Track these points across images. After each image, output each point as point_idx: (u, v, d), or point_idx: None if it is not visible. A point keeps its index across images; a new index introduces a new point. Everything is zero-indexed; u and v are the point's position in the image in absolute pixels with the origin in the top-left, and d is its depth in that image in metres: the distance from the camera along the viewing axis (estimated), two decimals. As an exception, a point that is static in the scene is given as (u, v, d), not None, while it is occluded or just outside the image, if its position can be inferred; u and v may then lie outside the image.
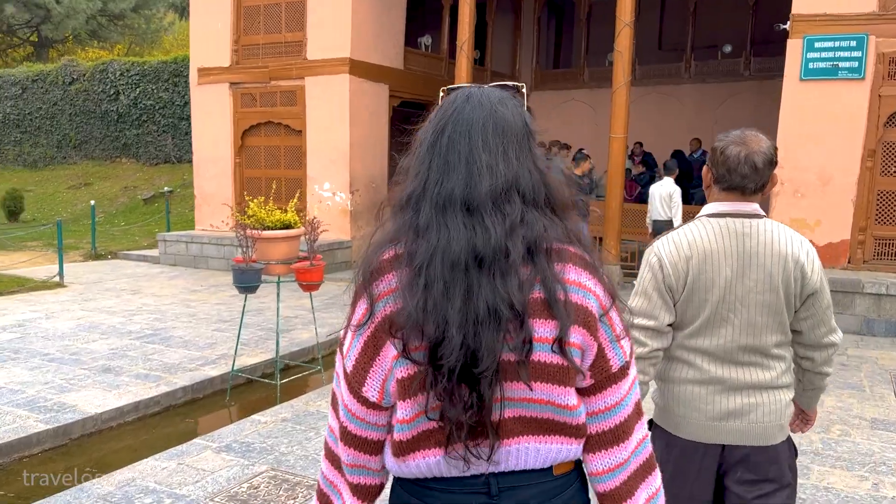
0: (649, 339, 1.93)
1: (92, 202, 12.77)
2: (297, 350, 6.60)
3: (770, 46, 15.55)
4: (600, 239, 9.50)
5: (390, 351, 1.12)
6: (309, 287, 5.38)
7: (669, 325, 1.96)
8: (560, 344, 1.10)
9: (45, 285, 9.50)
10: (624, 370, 1.19)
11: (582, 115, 16.59)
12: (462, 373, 1.06)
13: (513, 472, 1.16)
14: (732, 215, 1.96)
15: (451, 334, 1.05)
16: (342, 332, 1.20)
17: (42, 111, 20.51)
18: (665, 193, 9.26)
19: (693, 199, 13.24)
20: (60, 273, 9.89)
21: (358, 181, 11.19)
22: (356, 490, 1.24)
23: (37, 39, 29.02)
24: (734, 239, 1.93)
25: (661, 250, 1.97)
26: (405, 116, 15.35)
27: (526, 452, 1.15)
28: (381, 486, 1.27)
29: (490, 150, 1.13)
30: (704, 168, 2.08)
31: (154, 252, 12.17)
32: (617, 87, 9.05)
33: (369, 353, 1.14)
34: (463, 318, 1.06)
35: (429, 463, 1.15)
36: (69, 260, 11.81)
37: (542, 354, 1.10)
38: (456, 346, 1.05)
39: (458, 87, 1.22)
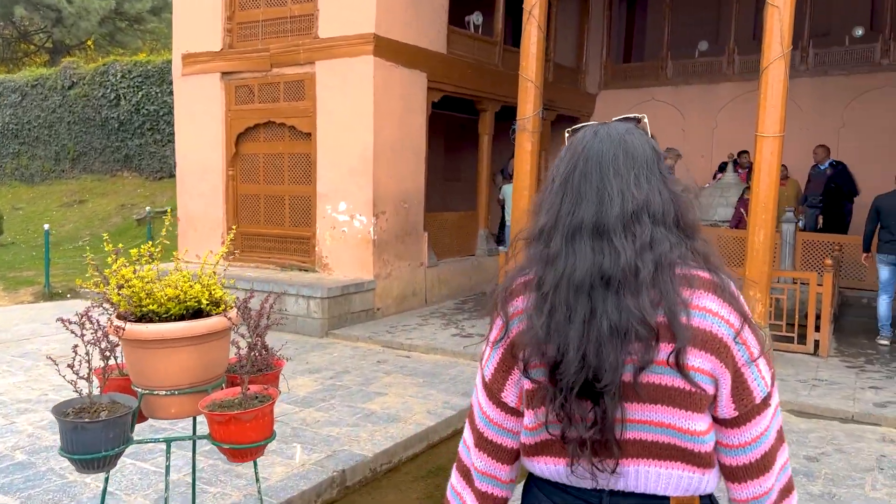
0: None
1: (46, 226, 10.12)
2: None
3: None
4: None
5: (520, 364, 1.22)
6: (240, 455, 2.36)
7: None
8: (678, 364, 1.12)
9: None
10: (766, 400, 1.20)
11: (665, 117, 13.45)
12: (584, 389, 1.13)
13: (632, 494, 1.19)
14: None
15: (569, 353, 1.12)
16: (482, 347, 1.33)
17: (41, 120, 18.23)
18: None
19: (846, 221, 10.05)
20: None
21: (384, 200, 8.30)
22: (483, 498, 1.32)
23: (52, 45, 27.11)
24: None
25: None
26: (451, 122, 12.69)
27: (646, 475, 1.17)
28: (506, 501, 1.33)
29: (621, 177, 1.19)
30: None
31: (123, 290, 9.43)
32: (770, 60, 5.98)
33: (507, 363, 1.25)
34: (583, 338, 1.12)
35: (549, 469, 1.23)
36: (14, 300, 9.14)
37: (664, 377, 1.14)
38: (573, 364, 1.12)
39: (583, 126, 1.30)
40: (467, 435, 1.35)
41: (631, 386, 1.13)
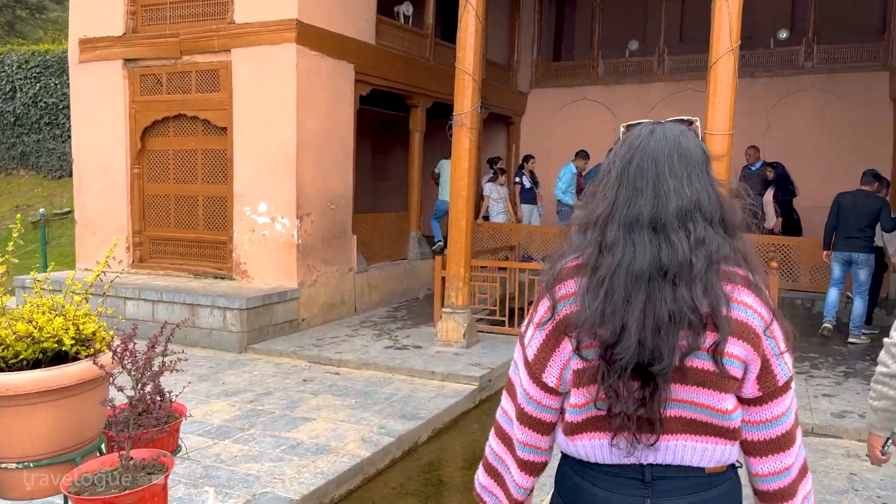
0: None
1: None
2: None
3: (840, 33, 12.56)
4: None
5: (569, 345, 1.29)
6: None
7: None
8: (715, 352, 1.22)
9: None
10: (788, 384, 1.32)
11: (597, 117, 13.29)
12: (636, 370, 1.21)
13: (668, 466, 1.29)
14: None
15: (628, 336, 1.20)
16: (523, 327, 1.39)
17: (-71, 115, 16.47)
18: None
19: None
20: None
21: (309, 200, 7.64)
22: (524, 465, 1.42)
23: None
24: None
25: None
26: (381, 120, 12.09)
27: (683, 449, 1.28)
28: (546, 464, 1.44)
29: (676, 175, 1.27)
30: None
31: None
32: (719, 55, 5.72)
33: (550, 345, 1.31)
34: (642, 322, 1.20)
35: (593, 445, 1.31)
36: None
37: (705, 363, 1.24)
38: (632, 346, 1.20)
39: (639, 123, 1.36)
40: (507, 406, 1.44)
41: (678, 369, 1.23)
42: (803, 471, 1.36)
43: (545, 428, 1.38)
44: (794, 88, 11.85)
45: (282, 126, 7.42)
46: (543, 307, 1.33)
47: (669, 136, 1.31)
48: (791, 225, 9.67)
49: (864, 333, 7.52)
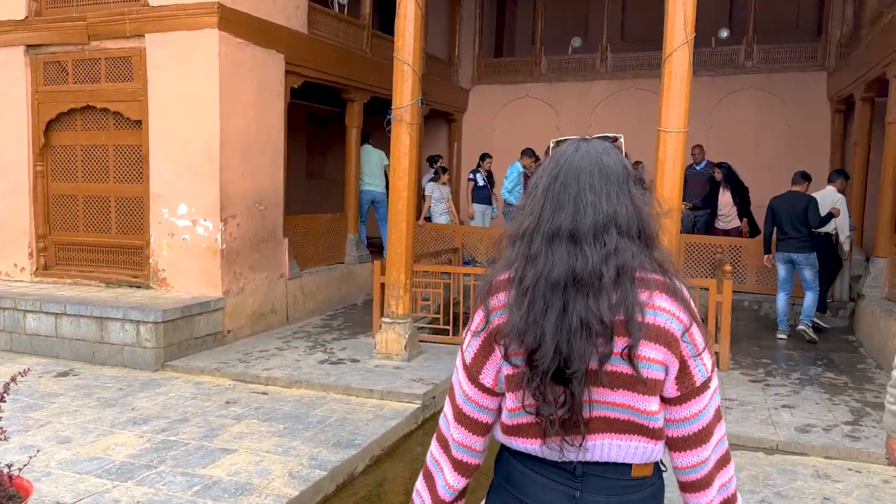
0: None
1: None
2: None
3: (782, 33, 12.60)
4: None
5: (498, 351, 1.39)
6: None
7: None
8: (629, 355, 1.30)
9: None
10: (706, 384, 1.38)
11: (540, 114, 13.00)
12: (555, 374, 1.30)
13: (597, 463, 1.38)
14: None
15: (545, 342, 1.29)
16: (463, 333, 1.49)
17: None
18: None
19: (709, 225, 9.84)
20: None
21: (235, 201, 6.99)
22: (457, 465, 1.49)
23: None
24: None
25: None
26: (316, 115, 11.42)
27: (609, 447, 1.36)
28: (478, 467, 1.51)
29: (595, 191, 1.36)
30: None
31: None
32: (674, 48, 5.39)
33: (485, 351, 1.41)
34: (557, 330, 1.29)
35: (527, 447, 1.40)
36: None
37: (623, 367, 1.31)
38: (549, 352, 1.28)
39: (566, 140, 1.48)
40: (447, 410, 1.52)
41: (595, 373, 1.31)
42: (721, 462, 1.44)
43: (481, 429, 1.46)
44: (735, 88, 11.81)
45: (203, 119, 6.76)
46: (479, 317, 1.42)
47: (592, 153, 1.40)
48: (751, 225, 9.57)
49: (814, 325, 7.60)
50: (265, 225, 7.46)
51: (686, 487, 1.46)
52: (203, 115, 6.75)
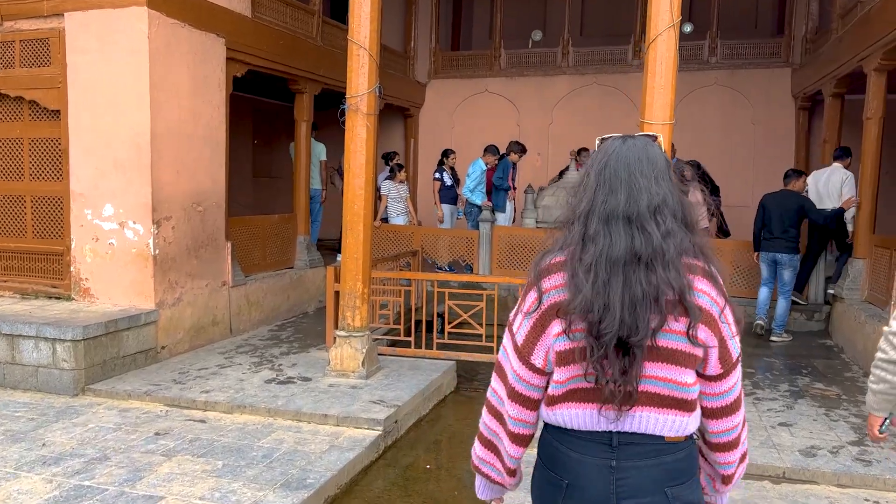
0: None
1: None
2: None
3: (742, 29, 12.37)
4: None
5: (553, 330, 1.49)
6: None
7: None
8: (690, 334, 1.43)
9: None
10: (738, 360, 1.54)
11: (500, 110, 12.50)
12: (618, 345, 1.41)
13: (633, 433, 1.49)
14: None
15: (612, 312, 1.40)
16: (512, 316, 1.59)
17: None
18: None
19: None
20: None
21: (169, 202, 6.24)
22: (515, 438, 1.62)
23: None
24: None
25: None
26: (262, 109, 10.58)
27: (647, 419, 1.47)
28: (532, 436, 1.64)
29: (646, 176, 1.48)
30: None
31: None
32: (658, 31, 4.89)
33: (537, 331, 1.52)
34: (622, 300, 1.40)
35: (570, 413, 1.51)
36: None
37: (671, 342, 1.44)
38: (616, 319, 1.39)
39: (611, 136, 1.59)
40: (497, 387, 1.64)
41: (649, 347, 1.42)
42: (744, 422, 1.62)
43: (532, 404, 1.58)
44: (699, 83, 11.50)
45: (131, 110, 5.98)
46: (531, 298, 1.53)
47: (639, 144, 1.54)
48: (720, 226, 9.22)
49: (793, 301, 7.61)
50: (205, 228, 6.71)
51: (718, 448, 1.60)
52: (131, 105, 5.98)
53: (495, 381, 1.64)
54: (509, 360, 1.58)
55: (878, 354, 2.30)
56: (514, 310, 1.59)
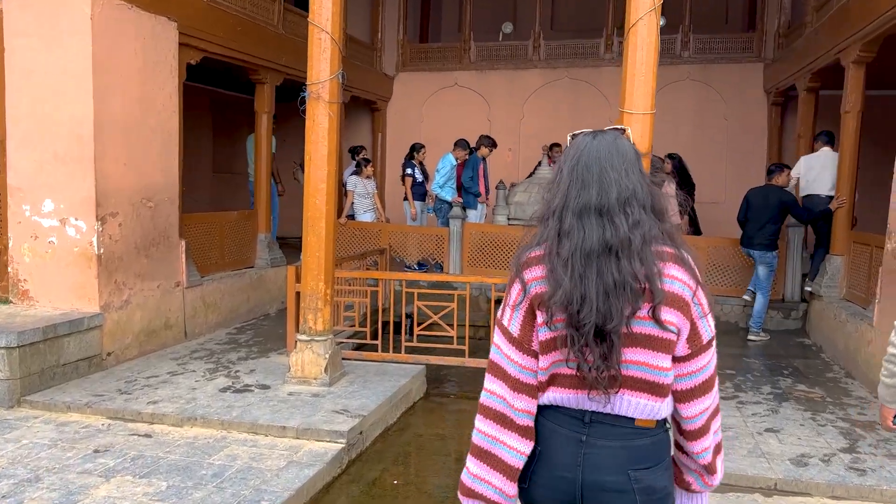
0: None
1: None
2: None
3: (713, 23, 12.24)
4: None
5: (538, 319, 1.55)
6: None
7: None
8: (654, 317, 1.47)
9: None
10: (710, 342, 1.56)
11: (470, 104, 12.19)
12: (596, 333, 1.47)
13: (606, 414, 1.55)
14: None
15: (588, 302, 1.46)
16: (499, 312, 1.62)
17: None
18: None
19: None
20: None
21: (116, 196, 5.80)
22: (524, 432, 1.59)
23: None
24: None
25: None
26: (221, 101, 10.09)
27: (621, 402, 1.52)
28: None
29: (616, 169, 1.54)
30: None
31: None
32: (639, 16, 4.61)
33: (529, 318, 1.56)
34: (597, 290, 1.47)
35: (555, 396, 1.58)
36: None
37: (645, 328, 1.49)
38: (593, 308, 1.46)
39: (581, 132, 1.64)
40: (495, 387, 1.61)
41: (625, 334, 1.48)
42: (715, 411, 1.61)
43: (535, 392, 1.59)
44: (672, 78, 11.30)
45: (73, 97, 5.53)
46: (516, 290, 1.57)
47: (609, 138, 1.59)
48: (692, 222, 9.00)
49: (763, 331, 7.35)
50: (156, 225, 6.27)
51: (689, 436, 1.60)
52: (73, 92, 5.53)
53: (491, 383, 1.62)
54: (508, 354, 1.59)
55: (890, 349, 2.39)
56: (501, 307, 1.62)
